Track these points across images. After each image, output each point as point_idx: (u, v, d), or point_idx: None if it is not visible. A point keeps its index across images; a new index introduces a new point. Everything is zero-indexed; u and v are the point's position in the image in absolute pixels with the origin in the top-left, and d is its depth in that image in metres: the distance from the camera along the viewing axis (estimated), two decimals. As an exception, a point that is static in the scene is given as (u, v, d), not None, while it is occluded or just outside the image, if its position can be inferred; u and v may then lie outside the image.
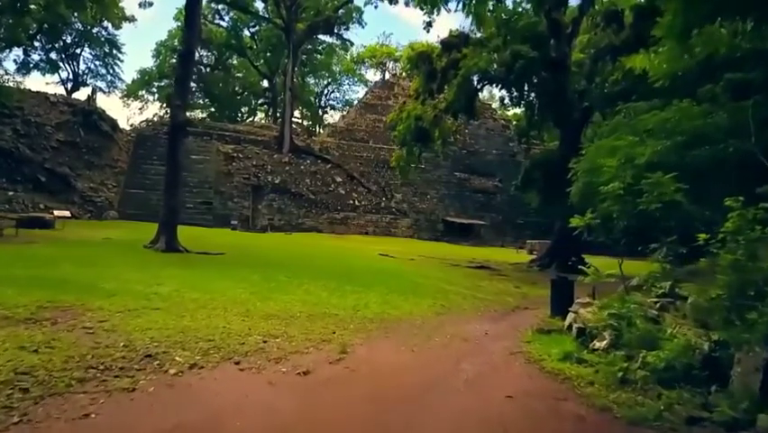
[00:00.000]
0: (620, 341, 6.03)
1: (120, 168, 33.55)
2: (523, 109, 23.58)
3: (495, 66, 19.57)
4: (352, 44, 53.93)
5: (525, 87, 21.13)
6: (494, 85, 20.91)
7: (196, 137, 37.36)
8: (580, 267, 9.66)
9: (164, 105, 53.66)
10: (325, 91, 67.69)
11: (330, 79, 66.28)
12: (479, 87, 21.26)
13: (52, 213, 25.02)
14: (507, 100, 22.77)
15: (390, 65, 61.84)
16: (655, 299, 7.36)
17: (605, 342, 6.16)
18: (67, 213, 26.65)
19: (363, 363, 5.60)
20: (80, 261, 11.25)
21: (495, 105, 52.34)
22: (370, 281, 12.15)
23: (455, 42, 22.32)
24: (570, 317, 7.51)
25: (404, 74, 46.81)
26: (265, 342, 6.07)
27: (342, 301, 9.30)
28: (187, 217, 31.92)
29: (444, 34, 23.35)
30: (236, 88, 62.92)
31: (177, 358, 5.11)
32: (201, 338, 5.86)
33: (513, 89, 21.68)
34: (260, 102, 64.99)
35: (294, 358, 5.56)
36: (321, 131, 56.72)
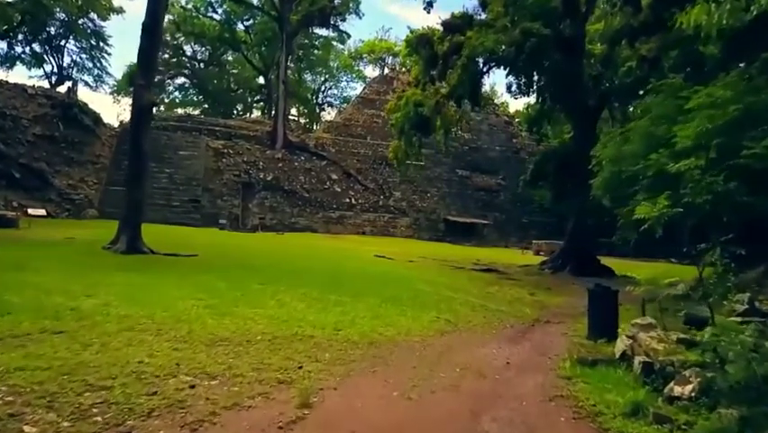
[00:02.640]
0: (715, 386, 4.10)
1: (102, 164, 31.56)
2: (532, 97, 21.58)
3: (503, 47, 17.59)
4: (348, 36, 51.96)
5: (536, 72, 19.17)
6: (502, 67, 18.89)
7: (184, 132, 35.46)
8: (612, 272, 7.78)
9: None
10: (323, 88, 65.72)
11: (327, 76, 64.32)
12: (484, 69, 19.26)
13: (26, 211, 23.24)
14: (514, 87, 20.68)
15: (389, 60, 59.99)
16: (740, 319, 5.44)
17: (689, 387, 4.21)
18: (42, 211, 24.87)
19: (333, 427, 3.66)
20: (8, 265, 9.30)
21: (498, 100, 50.52)
22: (360, 289, 10.21)
23: (458, 24, 20.34)
24: (623, 342, 5.55)
25: (403, 69, 44.85)
26: (192, 387, 4.14)
27: (321, 317, 7.35)
28: (174, 216, 30.07)
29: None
30: (231, 85, 60.99)
31: (26, 428, 3.17)
32: (92, 385, 3.91)
33: (522, 75, 19.75)
34: (256, 99, 63.02)
35: (225, 418, 3.62)
36: (318, 128, 54.75)
